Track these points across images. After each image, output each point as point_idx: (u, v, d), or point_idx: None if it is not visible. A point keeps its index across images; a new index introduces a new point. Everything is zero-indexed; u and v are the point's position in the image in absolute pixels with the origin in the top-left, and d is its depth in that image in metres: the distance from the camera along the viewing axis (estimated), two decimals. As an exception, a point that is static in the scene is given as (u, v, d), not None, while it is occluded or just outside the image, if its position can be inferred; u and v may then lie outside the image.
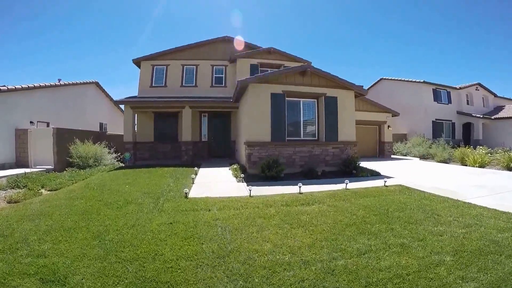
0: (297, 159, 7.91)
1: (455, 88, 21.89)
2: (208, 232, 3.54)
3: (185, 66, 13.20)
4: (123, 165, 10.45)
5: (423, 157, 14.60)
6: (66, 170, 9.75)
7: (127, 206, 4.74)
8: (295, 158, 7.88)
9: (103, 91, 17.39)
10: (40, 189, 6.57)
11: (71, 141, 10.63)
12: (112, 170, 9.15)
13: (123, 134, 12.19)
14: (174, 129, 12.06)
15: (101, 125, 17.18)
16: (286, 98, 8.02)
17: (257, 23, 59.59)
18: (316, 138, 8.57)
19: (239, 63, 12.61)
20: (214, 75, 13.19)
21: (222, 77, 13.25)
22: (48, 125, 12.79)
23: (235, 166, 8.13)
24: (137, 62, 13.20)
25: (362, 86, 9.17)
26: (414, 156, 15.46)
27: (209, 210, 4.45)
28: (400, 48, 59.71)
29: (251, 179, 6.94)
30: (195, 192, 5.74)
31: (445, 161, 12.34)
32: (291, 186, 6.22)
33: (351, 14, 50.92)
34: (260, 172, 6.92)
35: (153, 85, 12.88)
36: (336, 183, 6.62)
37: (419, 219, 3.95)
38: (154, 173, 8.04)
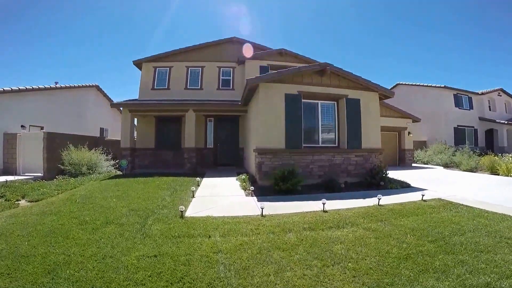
0: (315, 169, 6.83)
1: (477, 94, 20.73)
2: (205, 272, 2.55)
3: (190, 68, 12.44)
4: (120, 173, 9.55)
5: (446, 165, 13.60)
6: (56, 178, 8.97)
7: (105, 227, 3.81)
8: (313, 168, 6.81)
9: (105, 95, 16.82)
10: (19, 200, 5.84)
11: (64, 146, 9.85)
12: (105, 179, 8.25)
13: (134, 139, 11.43)
14: (177, 135, 11.16)
15: (101, 130, 16.54)
16: (303, 100, 7.01)
17: (268, 25, 59.30)
18: (336, 145, 7.50)
19: (247, 65, 11.76)
20: (220, 78, 12.36)
21: (230, 79, 12.40)
22: (42, 129, 12.13)
23: (243, 177, 7.09)
24: (138, 63, 12.52)
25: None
26: (437, 165, 14.37)
27: (209, 237, 3.44)
28: (414, 53, 58.57)
29: (262, 192, 5.90)
30: (194, 209, 4.72)
31: (471, 170, 11.38)
32: (312, 202, 5.20)
33: (363, 15, 50.36)
34: (273, 184, 5.86)
35: (155, 87, 12.12)
36: (364, 197, 5.62)
37: (488, 245, 3.17)
38: (150, 183, 7.07)
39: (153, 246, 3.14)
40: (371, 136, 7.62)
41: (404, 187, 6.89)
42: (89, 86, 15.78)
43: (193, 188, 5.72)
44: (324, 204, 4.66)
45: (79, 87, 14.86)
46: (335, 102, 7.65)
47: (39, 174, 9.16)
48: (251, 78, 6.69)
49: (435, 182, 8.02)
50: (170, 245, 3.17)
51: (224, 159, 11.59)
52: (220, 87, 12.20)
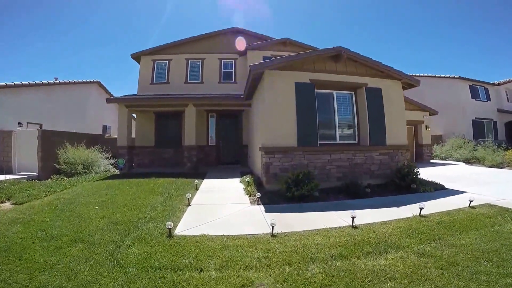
0: (334, 170, 5.69)
1: (493, 84, 19.10)
2: None
3: (189, 61, 11.35)
4: (118, 172, 8.62)
5: (467, 161, 12.23)
6: (51, 178, 8.19)
7: (72, 246, 2.98)
8: (330, 168, 5.67)
9: (107, 91, 15.96)
10: (3, 202, 5.28)
11: (61, 145, 8.98)
12: (99, 180, 7.37)
13: (133, 137, 10.51)
14: (178, 132, 10.15)
15: (104, 127, 15.74)
16: (316, 90, 5.83)
17: (271, 16, 56.53)
18: (356, 141, 6.33)
19: (250, 56, 10.59)
20: (222, 70, 11.24)
21: (232, 71, 11.26)
22: (41, 127, 11.32)
23: (247, 179, 6.01)
24: (137, 57, 11.51)
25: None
26: (456, 160, 13.02)
27: (201, 271, 2.46)
28: (424, 44, 55.85)
29: (270, 199, 4.83)
30: (187, 223, 3.69)
31: (497, 166, 10.05)
32: (334, 213, 4.12)
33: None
34: (284, 189, 4.76)
35: (153, 82, 11.09)
36: (397, 205, 4.52)
37: None
38: (144, 186, 6.09)
39: (122, 282, 2.14)
40: (396, 131, 6.42)
41: (438, 189, 5.76)
42: (91, 82, 14.95)
43: (189, 194, 4.67)
44: (354, 218, 3.55)
45: (80, 83, 14.04)
46: (353, 92, 6.46)
47: (35, 174, 8.44)
48: (255, 64, 5.55)
49: (465, 181, 6.83)
50: (146, 282, 2.16)
51: (227, 157, 10.53)
52: (222, 81, 11.09)
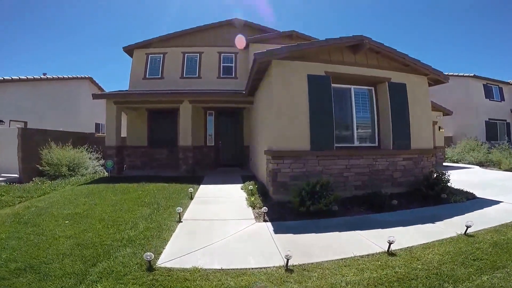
0: (352, 178, 4.90)
1: (507, 83, 18.28)
2: None
3: (186, 54, 10.52)
4: (107, 175, 7.82)
5: (481, 164, 11.53)
6: (33, 180, 7.51)
7: (17, 278, 2.36)
8: (348, 176, 4.87)
9: (99, 88, 15.13)
10: None
11: (45, 144, 8.20)
12: (83, 184, 6.63)
13: (124, 136, 9.74)
14: (173, 131, 9.29)
15: (97, 125, 14.94)
16: (332, 84, 5.04)
17: (276, 7, 54.95)
18: (377, 144, 5.55)
19: (252, 49, 9.68)
20: (221, 65, 10.40)
21: (232, 66, 10.43)
22: (26, 125, 10.54)
23: (250, 187, 5.20)
24: (129, 50, 10.68)
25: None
26: (469, 163, 12.27)
27: None
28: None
29: (279, 213, 4.06)
30: (175, 248, 2.94)
31: None
32: (360, 233, 3.38)
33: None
34: (296, 202, 3.95)
35: (147, 76, 10.26)
36: (432, 220, 3.81)
37: None
38: (130, 193, 5.31)
39: None
40: (422, 133, 5.64)
41: (469, 198, 5.02)
42: (82, 78, 14.15)
43: (180, 209, 3.85)
44: (391, 243, 2.78)
45: (70, 79, 13.24)
46: (372, 88, 5.67)
47: (16, 176, 7.77)
48: (261, 52, 4.74)
49: (492, 187, 6.11)
50: None
51: (226, 159, 9.72)
52: (221, 76, 10.24)
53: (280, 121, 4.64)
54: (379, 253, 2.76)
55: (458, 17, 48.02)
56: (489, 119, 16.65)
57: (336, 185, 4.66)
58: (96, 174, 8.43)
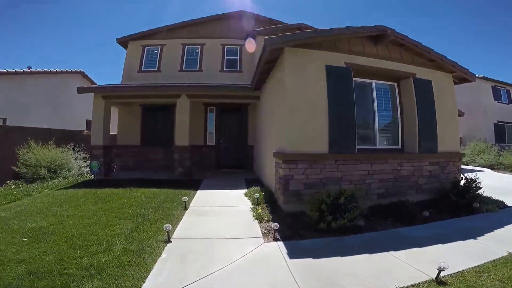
0: (374, 185, 4.23)
1: (516, 86, 17.80)
2: None
3: (186, 46, 9.80)
4: (93, 177, 7.05)
5: (491, 167, 11.20)
6: (6, 184, 6.76)
7: None
8: (370, 183, 4.20)
9: (92, 83, 14.28)
10: None
11: (23, 143, 7.41)
12: (63, 188, 5.87)
13: (115, 134, 9.00)
14: (169, 129, 8.53)
15: (88, 123, 14.08)
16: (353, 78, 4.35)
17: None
18: (400, 147, 4.87)
19: (259, 42, 9.01)
20: (225, 57, 9.68)
21: (236, 59, 9.71)
22: (4, 122, 9.71)
23: (257, 195, 4.48)
24: (124, 42, 9.94)
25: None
26: (480, 166, 11.89)
27: None
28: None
29: (292, 228, 3.40)
30: (159, 281, 2.26)
31: None
32: (395, 254, 2.77)
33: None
34: (315, 216, 3.25)
35: (142, 69, 9.52)
36: (473, 235, 3.30)
37: None
38: (114, 201, 4.57)
39: None
40: (448, 134, 5.02)
41: (501, 207, 4.49)
42: (72, 72, 13.29)
43: (168, 226, 3.11)
44: (442, 270, 2.15)
45: (58, 73, 12.39)
46: (395, 84, 5.00)
47: None
48: (273, 37, 4.03)
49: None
50: None
51: (228, 160, 8.98)
52: (224, 69, 9.52)
53: (294, 119, 3.94)
54: (425, 282, 2.19)
55: (467, 17, 47.60)
56: (497, 121, 16.24)
57: (357, 193, 3.97)
58: (81, 176, 7.67)
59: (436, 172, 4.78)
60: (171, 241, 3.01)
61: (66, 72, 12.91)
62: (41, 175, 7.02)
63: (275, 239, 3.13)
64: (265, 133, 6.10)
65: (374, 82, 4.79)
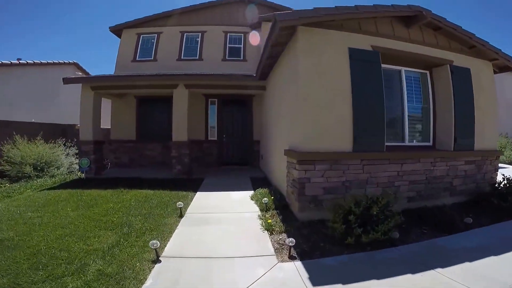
0: (404, 188, 3.64)
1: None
2: None
3: (185, 34, 9.12)
4: (83, 176, 6.49)
5: None
6: None
7: None
8: (400, 185, 3.60)
9: (87, 74, 13.66)
10: None
11: (7, 138, 6.87)
12: (48, 189, 5.35)
13: (107, 127, 8.43)
14: (167, 122, 7.82)
15: (84, 117, 13.55)
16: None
17: None
18: (431, 143, 4.23)
19: (265, 29, 8.29)
20: (227, 45, 8.98)
21: (240, 48, 9.01)
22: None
23: (265, 199, 3.87)
24: (117, 30, 9.28)
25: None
26: (502, 163, 11.24)
27: None
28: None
29: (310, 241, 2.88)
30: None
31: None
32: (440, 273, 2.23)
33: None
34: (340, 229, 2.64)
35: (137, 59, 8.87)
36: None
37: None
38: (99, 205, 4.01)
39: None
40: (486, 130, 4.41)
41: None
42: (65, 63, 12.65)
43: (155, 244, 2.50)
44: None
45: (50, 64, 11.78)
46: (428, 72, 4.34)
47: None
48: (285, 13, 3.38)
49: None
50: None
51: (232, 156, 8.37)
52: (227, 58, 8.83)
53: (309, 110, 3.30)
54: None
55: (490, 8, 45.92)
56: (520, 116, 15.46)
57: (387, 198, 3.36)
58: (71, 174, 7.11)
59: (472, 172, 4.17)
60: (160, 261, 2.43)
61: (59, 63, 12.29)
62: (26, 173, 6.49)
63: (291, 257, 2.54)
64: (273, 127, 5.46)
65: (403, 69, 4.12)
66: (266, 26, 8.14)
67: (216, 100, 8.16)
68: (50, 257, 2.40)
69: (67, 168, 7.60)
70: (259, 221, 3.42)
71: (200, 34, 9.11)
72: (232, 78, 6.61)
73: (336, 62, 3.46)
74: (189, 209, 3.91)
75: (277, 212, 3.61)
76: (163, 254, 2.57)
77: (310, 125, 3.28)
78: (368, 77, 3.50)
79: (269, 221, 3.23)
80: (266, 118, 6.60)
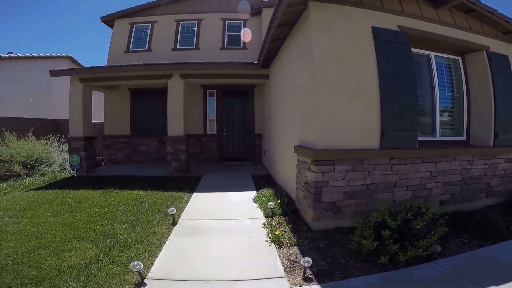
0: (437, 190, 3.04)
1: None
2: None
3: (181, 22, 8.41)
4: (74, 174, 5.97)
5: None
6: None
7: None
8: (432, 188, 3.00)
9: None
10: None
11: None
12: (35, 189, 4.89)
13: (102, 122, 7.94)
14: (163, 117, 7.17)
15: (81, 112, 13.01)
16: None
17: None
18: (464, 137, 3.61)
19: (265, 16, 7.57)
20: (226, 34, 8.26)
21: (239, 35, 8.29)
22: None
23: (270, 204, 3.28)
24: (109, 20, 8.60)
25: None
26: None
27: None
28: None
29: (329, 257, 2.29)
30: None
31: None
32: None
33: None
34: (371, 246, 2.06)
35: (130, 50, 8.18)
36: None
37: None
38: (81, 211, 3.47)
39: None
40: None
41: None
42: (59, 57, 11.97)
43: (138, 266, 1.94)
44: None
45: (43, 58, 11.12)
46: (459, 58, 3.68)
47: None
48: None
49: None
50: None
51: (232, 151, 7.77)
52: (225, 46, 8.13)
53: (329, 98, 2.66)
54: None
55: None
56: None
57: (414, 201, 2.79)
58: (64, 172, 6.58)
59: (511, 170, 3.56)
60: (145, 284, 1.89)
61: (52, 57, 11.62)
62: (16, 172, 5.98)
63: (307, 280, 2.00)
64: (279, 119, 4.82)
65: (432, 54, 3.46)
66: (267, 13, 7.44)
67: (214, 91, 7.48)
68: (15, 276, 1.92)
69: (60, 166, 7.07)
70: (264, 231, 2.85)
71: (196, 22, 8.39)
72: (232, 66, 5.90)
73: (358, 42, 2.80)
74: (183, 215, 3.34)
75: (285, 220, 3.04)
76: (149, 275, 2.02)
77: (329, 117, 2.63)
78: (397, 60, 2.84)
79: (277, 232, 2.65)
80: (270, 109, 5.95)
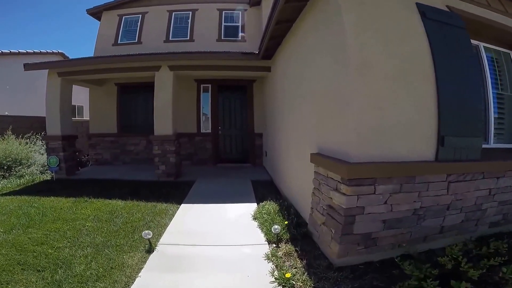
0: (492, 210, 2.18)
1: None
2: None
3: (174, 13, 7.35)
4: (52, 176, 5.00)
5: None
6: None
7: None
8: (487, 208, 2.14)
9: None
10: None
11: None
12: (5, 194, 3.90)
13: (88, 119, 7.05)
14: (151, 114, 6.14)
15: (73, 108, 11.88)
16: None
17: None
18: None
19: (266, 6, 6.56)
20: (223, 24, 7.23)
21: (238, 26, 7.26)
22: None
23: (276, 227, 2.40)
24: (96, 13, 7.52)
25: None
26: None
27: None
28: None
29: None
30: None
31: None
32: None
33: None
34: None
35: (118, 42, 7.10)
36: None
37: None
38: (41, 226, 2.56)
39: None
40: None
41: None
42: (50, 53, 10.79)
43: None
44: None
45: (31, 54, 9.94)
46: (510, 52, 2.82)
47: None
48: None
49: None
50: None
51: (229, 152, 6.82)
52: (222, 38, 7.12)
53: (370, 86, 1.77)
54: None
55: None
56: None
57: (464, 225, 1.97)
58: (45, 174, 5.58)
59: None
60: None
61: (41, 53, 10.44)
62: (-10, 173, 5.00)
63: None
64: (285, 116, 3.86)
65: (482, 45, 2.59)
66: (267, 3, 6.43)
67: (209, 86, 6.47)
68: None
69: (43, 166, 6.11)
70: (268, 265, 1.99)
71: (191, 12, 7.32)
72: (229, 57, 4.90)
73: (401, 19, 1.92)
74: (164, 236, 2.45)
75: (296, 249, 2.17)
76: None
77: (371, 114, 1.75)
78: (454, 46, 1.99)
79: (288, 275, 1.80)
80: (272, 105, 4.99)
